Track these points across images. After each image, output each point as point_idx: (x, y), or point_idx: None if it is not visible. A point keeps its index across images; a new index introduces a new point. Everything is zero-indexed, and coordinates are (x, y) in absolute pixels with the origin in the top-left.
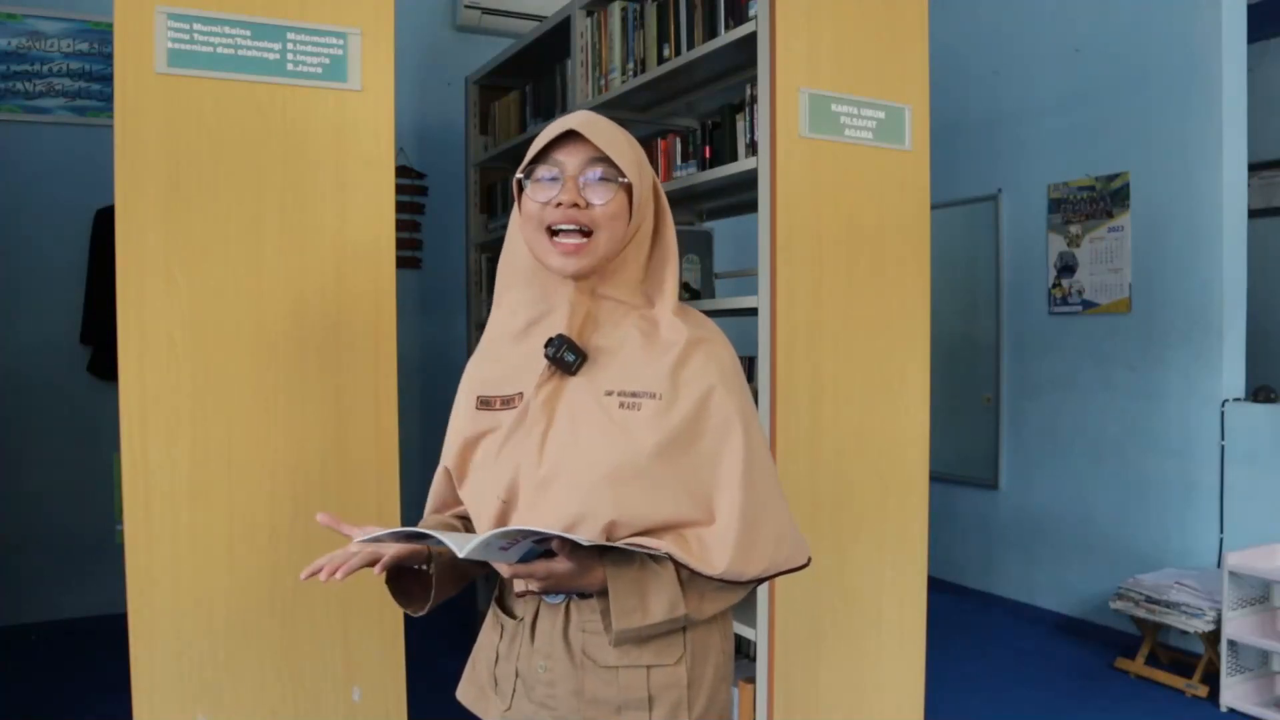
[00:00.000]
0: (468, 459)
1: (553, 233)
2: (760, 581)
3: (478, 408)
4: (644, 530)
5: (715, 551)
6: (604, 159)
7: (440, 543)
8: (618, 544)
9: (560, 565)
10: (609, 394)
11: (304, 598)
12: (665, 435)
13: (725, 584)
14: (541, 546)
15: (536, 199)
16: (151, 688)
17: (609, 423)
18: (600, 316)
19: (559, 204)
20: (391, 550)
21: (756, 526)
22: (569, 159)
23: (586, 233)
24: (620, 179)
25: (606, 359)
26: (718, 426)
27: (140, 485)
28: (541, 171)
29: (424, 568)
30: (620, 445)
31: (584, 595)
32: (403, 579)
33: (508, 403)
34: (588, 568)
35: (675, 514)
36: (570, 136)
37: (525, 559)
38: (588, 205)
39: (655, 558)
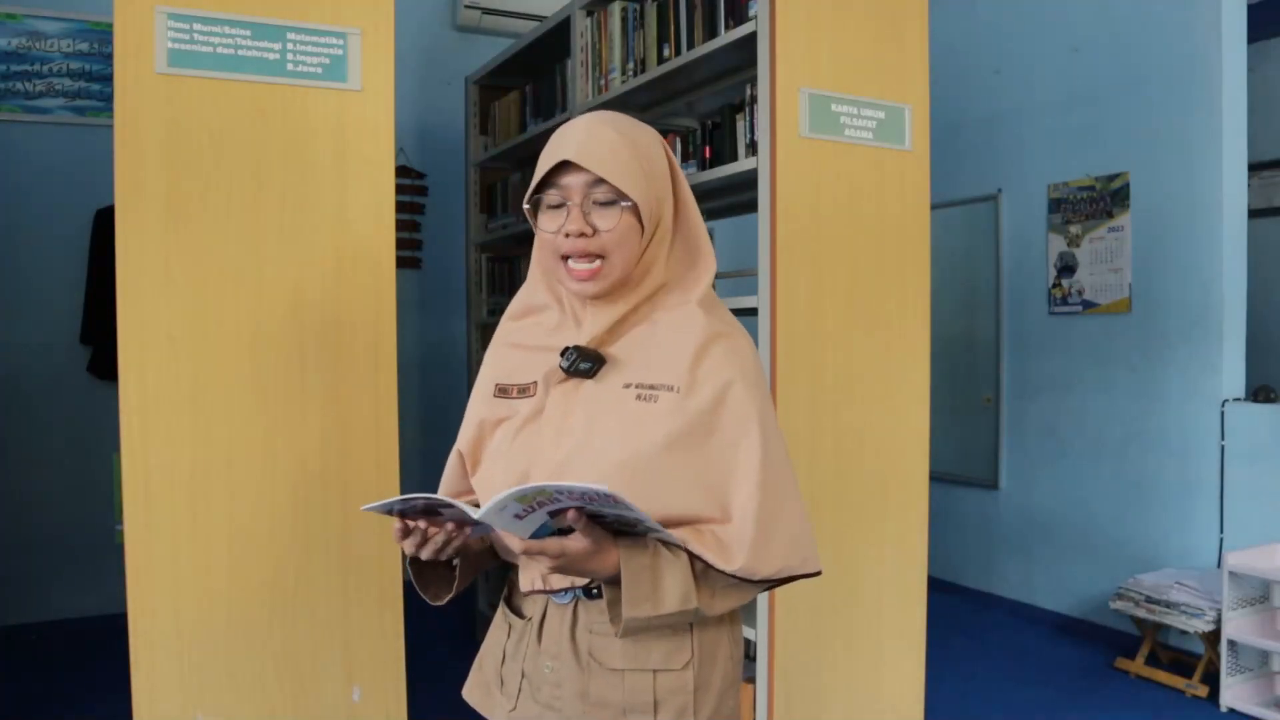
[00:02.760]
0: (481, 445)
1: (567, 258)
2: (772, 584)
3: (495, 395)
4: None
5: (731, 548)
6: (604, 181)
7: (458, 511)
8: (636, 514)
9: (575, 544)
10: (627, 386)
11: (304, 598)
12: (679, 428)
13: (737, 582)
14: (555, 523)
15: (547, 229)
16: (151, 688)
17: (624, 415)
18: (628, 319)
19: (567, 233)
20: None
21: (772, 526)
22: (571, 183)
23: (600, 255)
24: (623, 202)
25: (629, 353)
26: (735, 422)
27: (140, 485)
28: (548, 198)
29: (451, 559)
30: (633, 437)
31: (590, 595)
32: (424, 568)
33: (524, 391)
34: (602, 548)
35: (688, 509)
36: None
37: (538, 535)
38: (595, 231)
39: (669, 547)
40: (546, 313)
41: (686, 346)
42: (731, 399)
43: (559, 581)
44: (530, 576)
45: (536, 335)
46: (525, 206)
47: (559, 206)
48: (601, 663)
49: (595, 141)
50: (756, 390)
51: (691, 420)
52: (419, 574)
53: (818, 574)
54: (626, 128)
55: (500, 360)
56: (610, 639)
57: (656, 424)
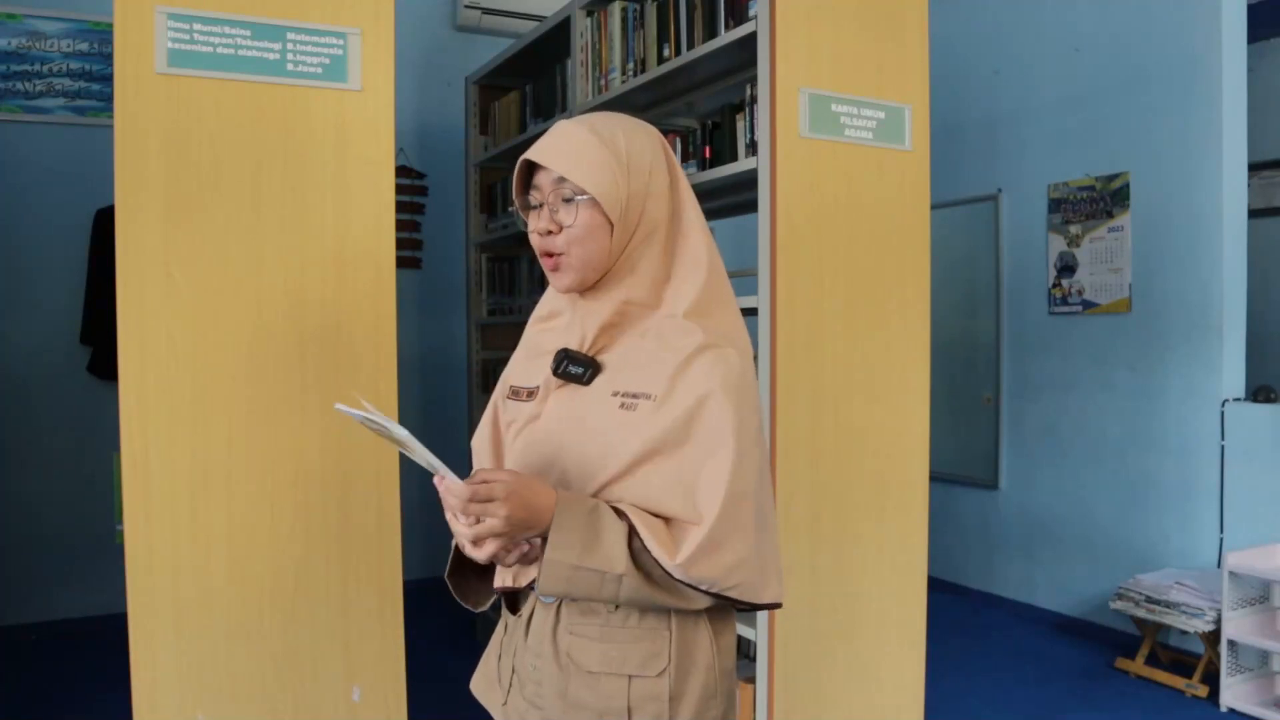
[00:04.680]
0: (493, 444)
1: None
2: (712, 597)
3: (508, 396)
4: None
5: (679, 543)
6: (565, 179)
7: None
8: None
9: (505, 475)
10: (614, 394)
11: (304, 598)
12: (651, 437)
13: (668, 577)
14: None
15: (530, 229)
16: (151, 688)
17: (608, 422)
18: (621, 323)
19: (539, 232)
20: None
21: (719, 541)
22: (541, 182)
23: (564, 251)
24: (580, 196)
25: (621, 361)
26: (709, 435)
27: (140, 485)
28: (531, 199)
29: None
30: (613, 445)
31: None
32: (465, 576)
33: (531, 394)
34: (531, 486)
35: (665, 514)
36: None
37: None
38: (561, 228)
39: (616, 514)
40: (562, 317)
41: (674, 357)
42: (708, 412)
43: (526, 578)
44: (502, 575)
45: (550, 339)
46: (511, 209)
47: (538, 207)
48: (579, 664)
49: (558, 139)
50: (738, 404)
51: (665, 430)
52: (458, 582)
53: (770, 607)
54: (604, 125)
55: (518, 361)
56: (588, 641)
57: (634, 432)
